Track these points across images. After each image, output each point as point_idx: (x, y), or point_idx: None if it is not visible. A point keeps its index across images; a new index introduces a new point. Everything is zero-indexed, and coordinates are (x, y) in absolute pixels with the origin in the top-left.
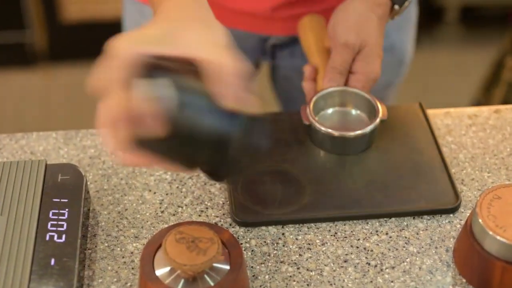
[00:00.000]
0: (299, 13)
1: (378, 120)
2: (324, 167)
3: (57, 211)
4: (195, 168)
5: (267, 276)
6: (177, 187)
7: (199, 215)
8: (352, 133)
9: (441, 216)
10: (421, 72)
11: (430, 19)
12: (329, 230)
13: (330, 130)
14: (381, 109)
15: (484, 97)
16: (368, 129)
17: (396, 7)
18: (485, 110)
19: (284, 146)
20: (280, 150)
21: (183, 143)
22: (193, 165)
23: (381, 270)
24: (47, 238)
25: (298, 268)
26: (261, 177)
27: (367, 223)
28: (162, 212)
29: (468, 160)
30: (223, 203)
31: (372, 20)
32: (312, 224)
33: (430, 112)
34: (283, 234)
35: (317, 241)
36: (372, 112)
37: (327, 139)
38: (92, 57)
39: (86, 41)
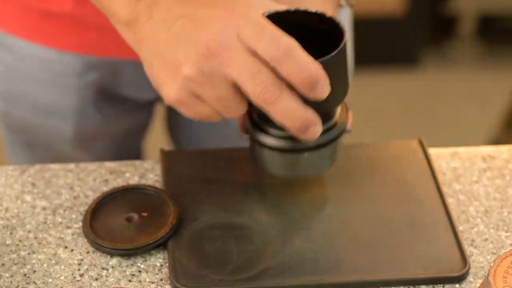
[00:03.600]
0: None
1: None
2: (293, 220)
3: None
4: None
5: None
6: None
7: (130, 280)
8: (306, 145)
9: (443, 286)
10: (425, 100)
11: (439, 32)
12: None
13: (277, 142)
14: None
15: (506, 134)
16: (328, 137)
17: None
18: (504, 150)
19: (240, 192)
20: (235, 197)
21: None
22: None
23: None
24: None
25: None
26: (210, 232)
27: None
28: (81, 275)
29: (480, 215)
30: (161, 265)
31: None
32: None
33: (434, 151)
34: None
35: None
36: None
37: (274, 156)
38: None
39: None
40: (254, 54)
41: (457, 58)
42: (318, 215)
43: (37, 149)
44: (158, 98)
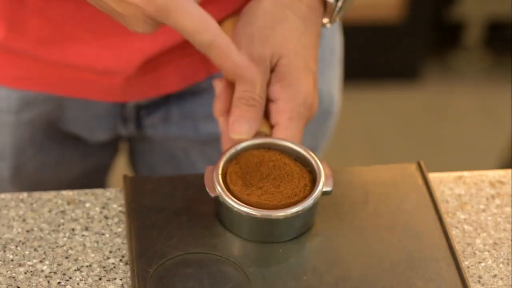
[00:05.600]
0: (170, 69)
1: (318, 190)
2: (275, 255)
3: None
4: None
5: None
6: (59, 283)
7: None
8: (280, 213)
9: None
10: (427, 119)
11: (442, 41)
12: None
13: (247, 209)
14: (323, 173)
15: None
16: (305, 205)
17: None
18: None
19: (214, 224)
20: (208, 229)
21: None
22: None
23: None
24: None
25: None
26: (180, 270)
27: None
28: None
29: (489, 248)
30: None
31: (289, 20)
32: None
33: (435, 176)
34: None
35: None
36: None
37: (244, 221)
38: None
39: None
40: None
41: (463, 71)
42: (303, 250)
43: None
44: (116, 139)
